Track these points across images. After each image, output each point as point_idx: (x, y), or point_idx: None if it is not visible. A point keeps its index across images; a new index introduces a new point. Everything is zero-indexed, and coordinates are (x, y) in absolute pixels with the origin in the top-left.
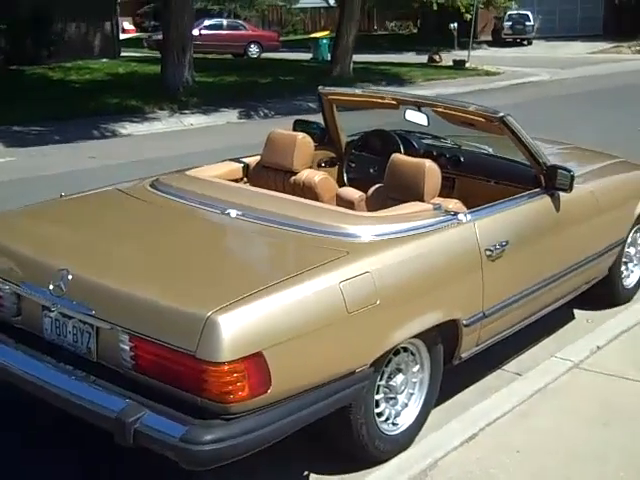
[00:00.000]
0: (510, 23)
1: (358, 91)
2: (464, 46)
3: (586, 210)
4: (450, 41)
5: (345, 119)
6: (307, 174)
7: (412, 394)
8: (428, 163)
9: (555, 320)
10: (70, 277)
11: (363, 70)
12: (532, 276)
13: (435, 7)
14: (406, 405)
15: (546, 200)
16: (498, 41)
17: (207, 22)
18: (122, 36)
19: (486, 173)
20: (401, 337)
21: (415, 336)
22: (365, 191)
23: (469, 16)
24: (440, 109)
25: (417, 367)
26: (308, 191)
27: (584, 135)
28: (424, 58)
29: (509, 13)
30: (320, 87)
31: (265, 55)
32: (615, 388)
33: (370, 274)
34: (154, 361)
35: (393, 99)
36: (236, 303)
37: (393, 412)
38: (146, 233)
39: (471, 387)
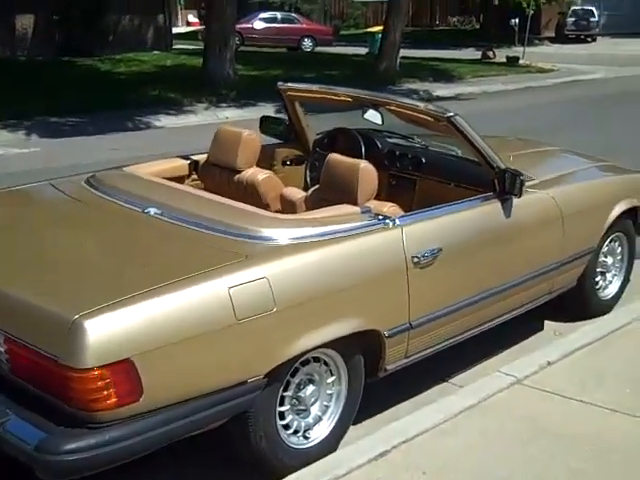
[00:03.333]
0: (574, 19)
1: (315, 87)
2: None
3: (544, 217)
4: (511, 37)
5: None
6: (251, 173)
7: (327, 407)
8: (363, 164)
9: (521, 331)
10: None
11: (411, 66)
12: (471, 286)
13: (496, 2)
14: (319, 418)
15: (494, 205)
16: (561, 37)
17: (262, 15)
18: (186, 29)
19: (447, 175)
20: (305, 346)
21: (326, 345)
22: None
23: (531, 11)
24: (392, 107)
25: (332, 378)
26: (251, 190)
27: (612, 137)
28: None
29: (573, 9)
30: (279, 83)
31: (319, 49)
32: (547, 406)
33: (266, 280)
34: (27, 365)
35: (348, 96)
36: (107, 307)
37: (303, 424)
38: (52, 231)
39: (410, 400)
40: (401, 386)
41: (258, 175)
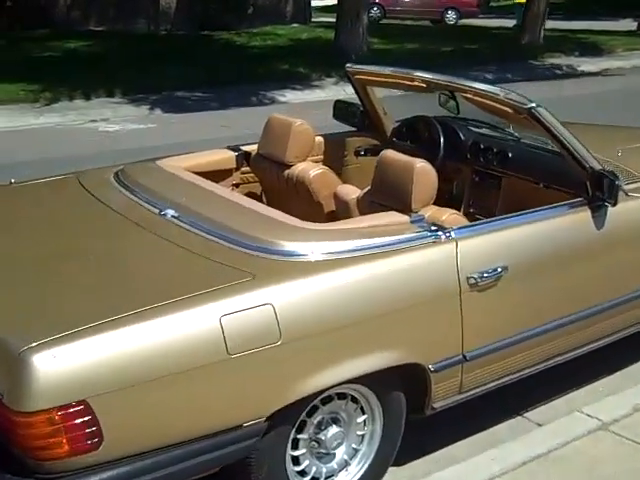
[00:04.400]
0: None
1: (387, 70)
2: None
3: None
4: None
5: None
6: (302, 168)
7: (357, 450)
8: (419, 164)
9: (614, 360)
10: None
11: (557, 39)
12: (545, 312)
13: None
14: (346, 463)
15: (582, 214)
16: None
17: None
18: (327, 2)
19: (536, 173)
20: (323, 384)
21: (352, 382)
22: None
23: None
24: (469, 95)
25: (363, 418)
26: (302, 187)
27: None
28: None
29: None
30: (348, 65)
31: (463, 22)
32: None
33: (271, 306)
34: None
35: (423, 81)
36: (62, 338)
37: (325, 470)
38: (43, 236)
39: (471, 438)
40: (466, 421)
41: (310, 171)
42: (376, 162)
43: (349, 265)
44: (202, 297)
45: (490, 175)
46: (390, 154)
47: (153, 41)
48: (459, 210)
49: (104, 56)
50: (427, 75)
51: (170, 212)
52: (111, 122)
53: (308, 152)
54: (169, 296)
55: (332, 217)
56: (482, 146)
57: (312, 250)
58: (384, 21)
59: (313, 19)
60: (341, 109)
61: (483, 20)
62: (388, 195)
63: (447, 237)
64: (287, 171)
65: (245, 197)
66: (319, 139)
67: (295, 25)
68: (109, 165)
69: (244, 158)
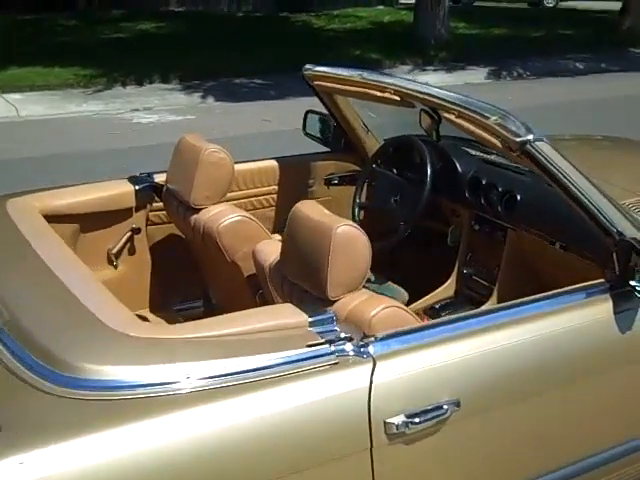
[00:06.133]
0: None
1: (356, 75)
2: None
3: None
4: None
5: None
6: (211, 215)
7: None
8: (341, 228)
9: None
10: None
11: None
12: (522, 464)
13: None
14: None
15: (599, 309)
16: None
17: None
18: None
19: (552, 227)
20: None
21: None
22: (379, 228)
23: None
24: (452, 116)
25: None
26: (210, 242)
27: None
28: None
29: None
30: (306, 67)
31: (564, 4)
32: None
33: None
34: None
35: (396, 92)
36: None
37: None
38: None
39: None
40: None
41: (221, 219)
42: (288, 221)
43: (185, 406)
44: None
45: (493, 224)
46: (304, 209)
47: (228, 23)
48: (452, 269)
49: (173, 39)
50: (404, 84)
51: None
52: (152, 112)
53: (223, 191)
54: None
55: (256, 285)
56: (484, 182)
57: (125, 376)
58: (478, 3)
59: (402, 1)
60: (313, 122)
61: (587, 3)
62: (299, 272)
63: (359, 354)
64: (194, 216)
65: (85, 271)
66: (271, 164)
67: (380, 7)
68: None
69: (153, 191)
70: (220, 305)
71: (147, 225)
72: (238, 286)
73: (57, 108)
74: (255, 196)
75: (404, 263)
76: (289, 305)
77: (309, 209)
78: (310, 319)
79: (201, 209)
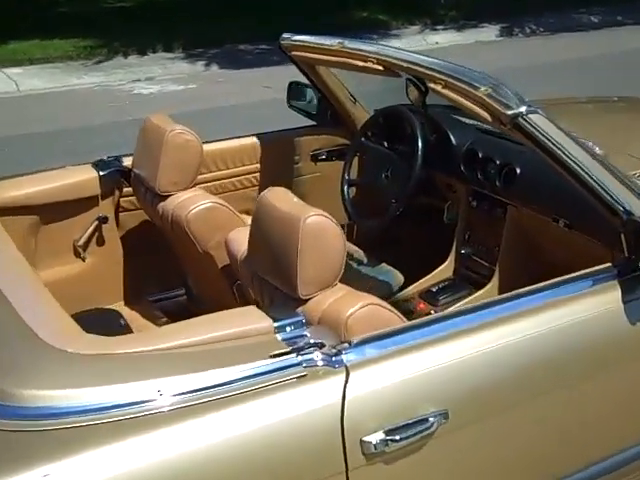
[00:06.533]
0: None
1: (335, 44)
2: None
3: None
4: None
5: None
6: (179, 201)
7: None
8: (311, 218)
9: None
10: None
11: None
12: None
13: None
14: None
15: (607, 299)
16: None
17: None
18: None
19: (554, 203)
20: None
21: None
22: (371, 206)
23: None
24: (438, 87)
25: None
26: (179, 231)
27: None
28: None
29: None
30: (283, 36)
31: None
32: None
33: None
34: None
35: (379, 62)
36: None
37: None
38: None
39: None
40: None
41: (190, 207)
42: (255, 209)
43: (132, 434)
44: None
45: (492, 200)
46: (270, 197)
47: None
48: (450, 248)
49: (177, 6)
50: (387, 52)
51: None
52: (154, 82)
53: (191, 175)
54: None
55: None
56: (480, 155)
57: (63, 405)
58: None
59: None
60: (297, 94)
61: None
62: (268, 267)
63: (330, 364)
64: (161, 204)
65: (26, 271)
66: (251, 141)
67: None
68: None
69: (122, 176)
70: (199, 296)
71: (118, 212)
72: (214, 277)
73: (57, 81)
74: (236, 176)
75: (398, 243)
76: (253, 308)
77: (276, 197)
78: (276, 324)
79: (168, 196)
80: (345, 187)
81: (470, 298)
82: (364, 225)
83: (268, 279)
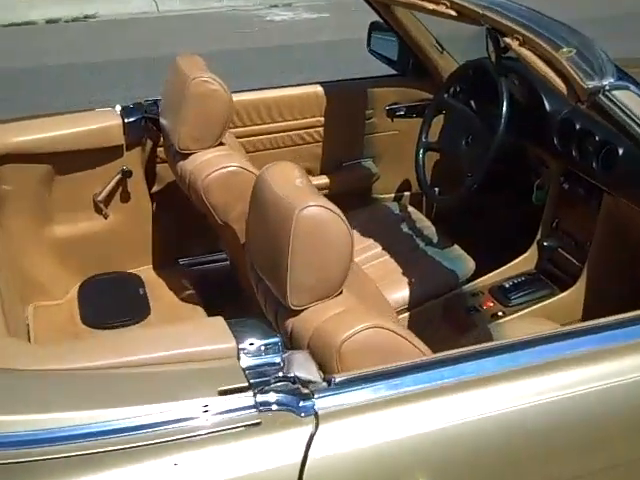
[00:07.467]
0: None
1: None
2: None
3: None
4: None
5: None
6: (198, 163)
7: None
8: (307, 212)
9: None
10: None
11: None
12: None
13: None
14: None
15: None
16: None
17: None
18: None
19: None
20: None
21: None
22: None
23: None
24: (515, 42)
25: None
26: (196, 198)
27: None
28: None
29: None
30: None
31: None
32: None
33: None
34: None
35: (452, 6)
36: None
37: None
38: None
39: None
40: None
41: (207, 170)
42: (254, 185)
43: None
44: None
45: (587, 184)
46: (269, 176)
47: None
48: (534, 236)
49: None
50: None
51: None
52: (290, 8)
53: (216, 132)
54: None
55: None
56: (577, 127)
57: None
58: None
59: None
60: (379, 38)
61: None
62: (262, 262)
63: (295, 409)
64: (180, 163)
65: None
66: (315, 90)
67: None
68: None
69: (154, 124)
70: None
71: (148, 165)
72: (236, 254)
73: (196, 3)
74: (295, 129)
75: (475, 221)
76: (218, 320)
77: (278, 175)
78: (242, 345)
79: (190, 154)
80: (420, 151)
81: (550, 301)
82: (434, 198)
83: (264, 278)
